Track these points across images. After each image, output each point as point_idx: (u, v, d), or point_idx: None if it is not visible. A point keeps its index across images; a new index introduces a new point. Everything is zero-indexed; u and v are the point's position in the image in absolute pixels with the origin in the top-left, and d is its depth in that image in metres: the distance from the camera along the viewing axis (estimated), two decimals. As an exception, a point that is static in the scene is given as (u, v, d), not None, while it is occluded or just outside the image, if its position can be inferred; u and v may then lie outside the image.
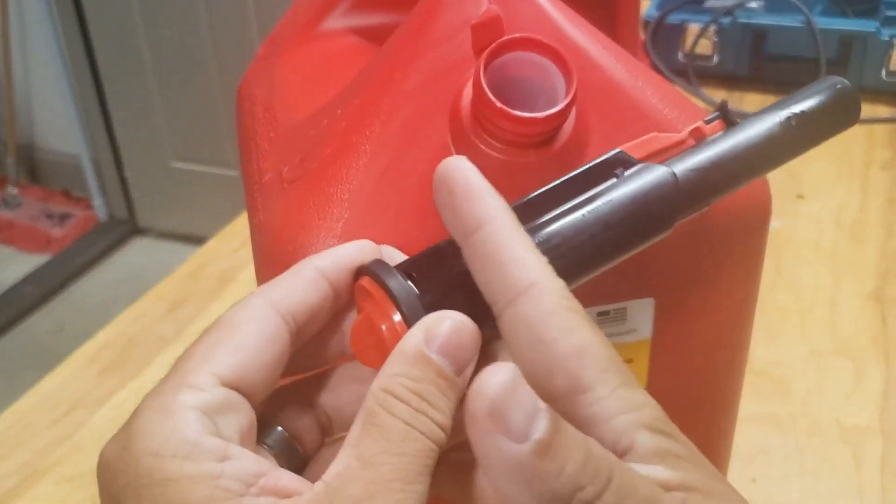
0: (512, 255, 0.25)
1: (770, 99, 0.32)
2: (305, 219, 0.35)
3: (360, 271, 0.28)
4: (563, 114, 0.32)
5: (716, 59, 1.06)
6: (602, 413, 0.24)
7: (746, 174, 0.31)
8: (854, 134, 0.96)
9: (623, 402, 0.24)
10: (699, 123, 0.31)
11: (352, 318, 0.29)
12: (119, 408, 0.66)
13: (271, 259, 0.36)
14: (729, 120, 0.31)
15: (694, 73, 1.06)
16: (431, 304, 0.26)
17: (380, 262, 0.28)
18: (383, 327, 0.26)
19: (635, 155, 0.30)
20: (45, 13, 2.21)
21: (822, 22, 1.01)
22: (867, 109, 1.01)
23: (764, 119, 0.31)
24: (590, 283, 0.29)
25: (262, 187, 0.40)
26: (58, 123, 2.43)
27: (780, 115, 0.31)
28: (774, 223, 0.39)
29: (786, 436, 0.61)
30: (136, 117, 2.26)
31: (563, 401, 0.24)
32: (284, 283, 0.28)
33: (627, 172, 0.29)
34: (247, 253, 0.70)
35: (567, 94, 0.32)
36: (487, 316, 0.26)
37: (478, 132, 0.33)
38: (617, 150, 0.30)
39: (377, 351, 0.26)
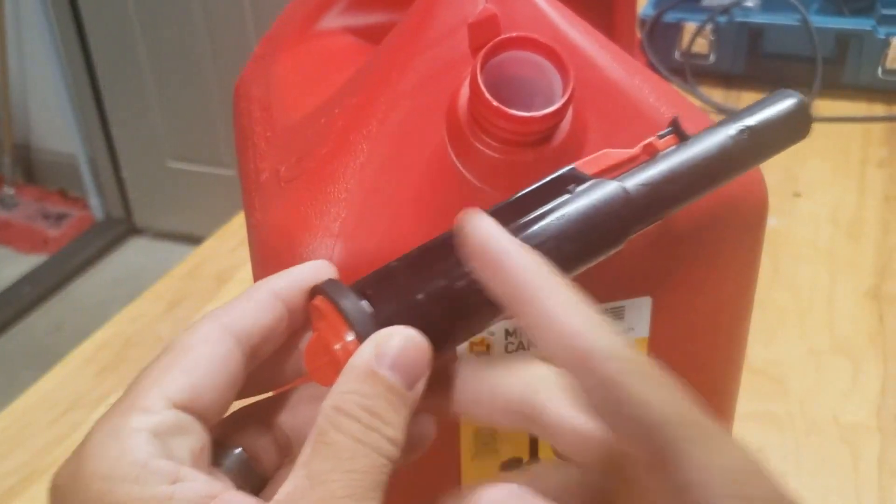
0: (570, 327, 0.25)
1: (766, 97, 0.32)
2: (303, 218, 0.35)
3: (314, 291, 0.28)
4: (560, 112, 0.32)
5: (712, 57, 1.06)
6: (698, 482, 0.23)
7: (699, 187, 0.31)
8: (851, 132, 0.96)
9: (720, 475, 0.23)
10: (652, 139, 0.31)
11: (309, 338, 0.29)
12: (117, 408, 0.66)
13: (268, 258, 0.36)
14: (682, 135, 0.31)
15: (690, 72, 1.05)
16: (385, 322, 0.26)
17: (333, 282, 0.28)
18: (336, 346, 0.26)
19: (588, 171, 0.30)
20: (42, 12, 2.20)
21: (819, 20, 1.01)
22: (863, 108, 1.01)
23: (716, 132, 0.31)
24: (587, 282, 0.29)
25: (260, 187, 0.40)
26: (54, 123, 2.43)
27: (733, 129, 0.31)
28: (771, 221, 0.39)
29: (784, 434, 0.61)
30: (133, 117, 2.25)
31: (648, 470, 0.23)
32: (237, 306, 0.28)
33: (579, 188, 0.29)
34: (244, 252, 0.70)
35: (564, 92, 0.32)
36: (443, 334, 0.26)
37: (475, 131, 0.33)
38: (570, 166, 0.30)
39: (331, 370, 0.26)
